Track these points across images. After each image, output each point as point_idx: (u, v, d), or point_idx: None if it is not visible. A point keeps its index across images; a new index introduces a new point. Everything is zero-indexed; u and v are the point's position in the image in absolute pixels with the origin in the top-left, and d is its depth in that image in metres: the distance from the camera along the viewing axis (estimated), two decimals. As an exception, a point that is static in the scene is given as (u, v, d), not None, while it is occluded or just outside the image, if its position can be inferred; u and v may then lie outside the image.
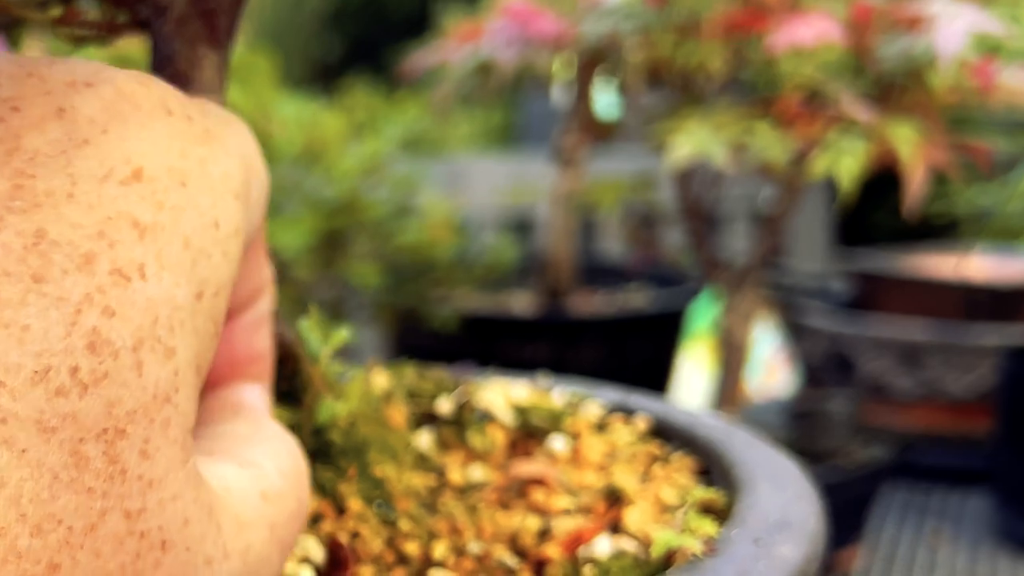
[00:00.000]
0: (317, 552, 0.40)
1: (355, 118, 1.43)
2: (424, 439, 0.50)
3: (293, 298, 1.22)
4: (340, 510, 0.43)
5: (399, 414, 0.50)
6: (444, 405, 0.52)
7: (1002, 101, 1.01)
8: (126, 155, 0.30)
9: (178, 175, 0.31)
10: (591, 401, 0.55)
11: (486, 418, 0.52)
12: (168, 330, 0.29)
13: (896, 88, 1.02)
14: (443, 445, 0.51)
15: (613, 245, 2.40)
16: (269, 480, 0.36)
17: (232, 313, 0.39)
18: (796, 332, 1.46)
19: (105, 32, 0.45)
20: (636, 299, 1.46)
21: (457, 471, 0.49)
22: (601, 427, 0.53)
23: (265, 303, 0.40)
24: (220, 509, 0.32)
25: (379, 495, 0.44)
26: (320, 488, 0.44)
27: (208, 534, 0.31)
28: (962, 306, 1.42)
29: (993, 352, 1.28)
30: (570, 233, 1.37)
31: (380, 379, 0.53)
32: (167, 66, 0.43)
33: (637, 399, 0.54)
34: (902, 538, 1.15)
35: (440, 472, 0.48)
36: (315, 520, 0.43)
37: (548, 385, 0.56)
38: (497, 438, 0.51)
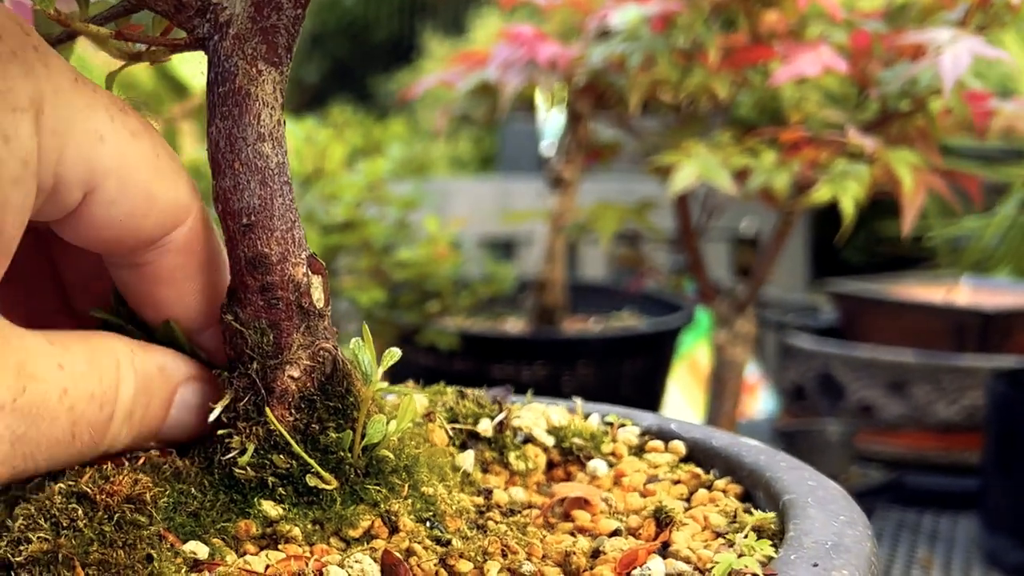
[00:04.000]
0: (372, 569, 0.39)
1: (346, 139, 1.43)
2: (467, 459, 0.49)
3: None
4: (393, 528, 0.43)
5: (441, 434, 0.50)
6: (485, 426, 0.51)
7: (1000, 129, 1.01)
8: None
9: None
10: (629, 425, 0.54)
11: (527, 440, 0.52)
12: None
13: (897, 115, 1.02)
14: (484, 465, 0.50)
15: (594, 268, 2.40)
16: (71, 361, 0.40)
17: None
18: (785, 355, 1.46)
19: (162, 47, 0.44)
20: (629, 321, 1.46)
21: (502, 491, 0.48)
22: (640, 451, 0.53)
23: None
24: None
25: (430, 514, 0.44)
26: (372, 505, 0.43)
27: None
28: (950, 332, 1.43)
29: (982, 378, 1.28)
30: (563, 256, 1.38)
31: (419, 399, 0.52)
32: (225, 82, 0.42)
33: (673, 423, 0.54)
34: (895, 560, 1.16)
35: (486, 492, 0.48)
36: (369, 537, 0.42)
37: (585, 409, 0.56)
38: (537, 460, 0.51)
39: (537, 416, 0.52)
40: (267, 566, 0.40)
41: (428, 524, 0.43)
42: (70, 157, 0.39)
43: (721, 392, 1.17)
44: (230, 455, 0.43)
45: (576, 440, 0.52)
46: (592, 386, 1.33)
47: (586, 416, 0.55)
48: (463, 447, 0.51)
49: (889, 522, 1.25)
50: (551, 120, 1.71)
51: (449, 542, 0.42)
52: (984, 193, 1.53)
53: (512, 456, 0.50)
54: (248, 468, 0.43)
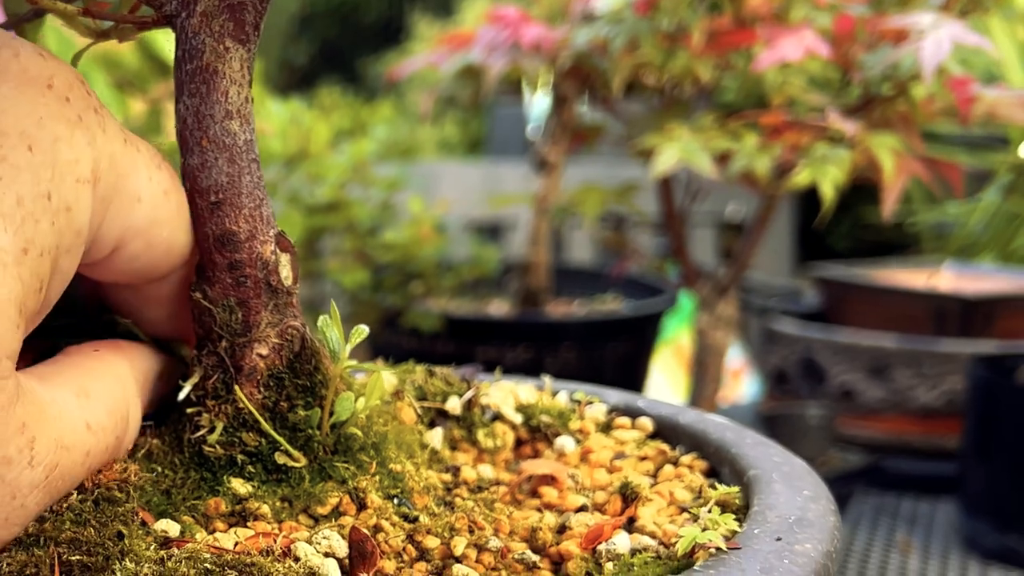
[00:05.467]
0: (340, 546, 0.40)
1: (333, 121, 1.43)
2: (435, 437, 0.50)
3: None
4: (361, 505, 0.43)
5: (409, 412, 0.50)
6: (453, 404, 0.52)
7: (981, 115, 1.02)
8: None
9: (28, 139, 0.35)
10: (596, 402, 0.55)
11: (495, 418, 0.52)
12: None
13: (879, 100, 1.02)
14: (452, 443, 0.51)
15: (579, 252, 2.41)
16: (96, 414, 0.40)
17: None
18: (768, 339, 1.47)
19: (129, 25, 0.44)
20: (613, 304, 1.46)
21: (470, 469, 0.48)
22: (607, 428, 0.53)
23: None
24: (39, 427, 0.36)
25: (398, 491, 0.44)
26: (340, 482, 0.43)
27: (12, 441, 0.35)
28: (931, 318, 1.43)
29: (962, 363, 1.29)
30: (547, 239, 1.38)
31: (388, 378, 0.52)
32: (193, 59, 0.43)
33: (641, 401, 0.54)
34: (874, 544, 1.16)
35: (453, 469, 0.48)
36: (337, 514, 0.43)
37: (553, 387, 0.56)
38: (506, 437, 0.51)
39: (506, 394, 0.53)
40: (236, 543, 0.40)
41: (396, 501, 0.43)
42: (109, 220, 0.39)
43: (703, 376, 1.17)
44: (199, 433, 0.43)
45: (544, 418, 0.52)
46: (575, 369, 1.33)
47: (554, 394, 0.55)
48: (431, 425, 0.51)
49: (868, 506, 1.26)
50: (537, 103, 1.72)
51: (416, 519, 0.42)
52: (968, 179, 1.53)
53: (480, 434, 0.51)
54: (217, 446, 0.43)
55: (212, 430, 0.43)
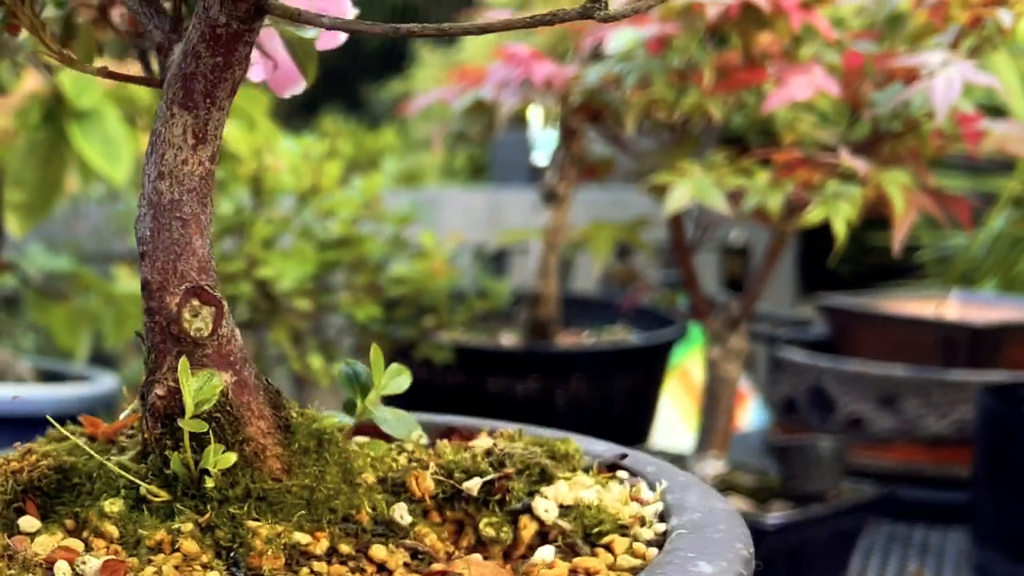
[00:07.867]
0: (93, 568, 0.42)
1: (338, 146, 1.43)
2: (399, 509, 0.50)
3: (289, 327, 1.22)
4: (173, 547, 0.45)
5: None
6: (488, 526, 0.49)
7: (991, 149, 1.01)
8: None
9: None
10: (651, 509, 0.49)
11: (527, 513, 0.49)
12: None
13: (888, 136, 1.02)
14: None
15: (586, 281, 2.40)
16: None
17: None
18: (776, 368, 1.46)
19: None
20: (622, 335, 1.46)
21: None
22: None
23: None
24: None
25: (238, 545, 0.46)
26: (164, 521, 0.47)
27: None
28: (939, 347, 1.43)
29: (971, 392, 1.28)
30: (556, 271, 1.37)
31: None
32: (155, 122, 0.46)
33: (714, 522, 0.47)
34: (886, 574, 1.15)
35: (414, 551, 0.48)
36: (154, 551, 0.46)
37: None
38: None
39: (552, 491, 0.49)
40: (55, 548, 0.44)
41: (228, 555, 0.45)
42: None
43: (714, 408, 1.16)
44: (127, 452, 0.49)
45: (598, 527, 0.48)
46: (585, 400, 1.32)
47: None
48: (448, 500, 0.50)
49: (880, 536, 1.25)
50: (544, 133, 1.71)
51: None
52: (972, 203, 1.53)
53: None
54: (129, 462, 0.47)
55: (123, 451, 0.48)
